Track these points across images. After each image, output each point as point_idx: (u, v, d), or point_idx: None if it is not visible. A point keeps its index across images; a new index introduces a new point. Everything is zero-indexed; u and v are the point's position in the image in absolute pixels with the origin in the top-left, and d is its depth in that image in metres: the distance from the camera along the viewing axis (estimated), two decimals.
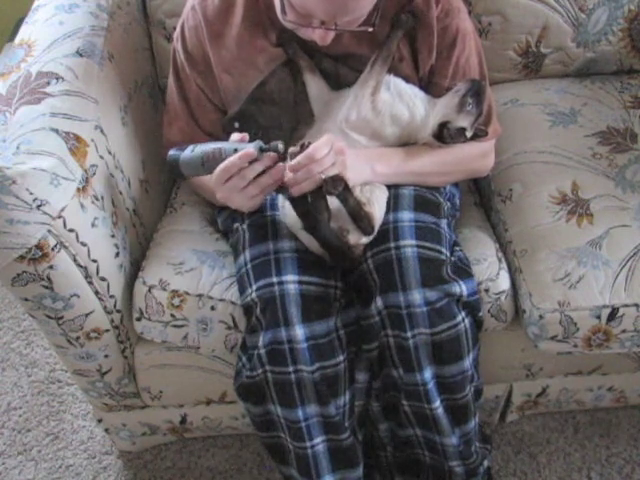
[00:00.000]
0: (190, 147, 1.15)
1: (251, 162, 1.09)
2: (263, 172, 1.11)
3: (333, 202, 1.15)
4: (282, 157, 1.10)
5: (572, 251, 1.28)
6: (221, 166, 1.10)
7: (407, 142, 1.27)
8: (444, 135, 1.23)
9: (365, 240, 1.18)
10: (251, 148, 1.09)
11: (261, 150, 1.09)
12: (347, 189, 1.12)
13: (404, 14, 1.20)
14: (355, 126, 1.23)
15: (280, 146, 1.09)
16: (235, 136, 1.14)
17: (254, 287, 1.17)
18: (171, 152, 1.16)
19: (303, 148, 1.08)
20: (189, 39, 1.26)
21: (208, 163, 1.12)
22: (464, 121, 1.23)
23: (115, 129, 1.31)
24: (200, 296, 1.26)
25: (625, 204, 1.34)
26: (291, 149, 1.10)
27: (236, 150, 1.10)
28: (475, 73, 1.28)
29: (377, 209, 1.18)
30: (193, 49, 1.26)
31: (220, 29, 1.24)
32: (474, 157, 1.33)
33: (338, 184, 1.09)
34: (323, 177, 1.08)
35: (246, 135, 1.13)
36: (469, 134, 1.25)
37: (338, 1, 1.05)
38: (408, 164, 1.26)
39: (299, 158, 1.08)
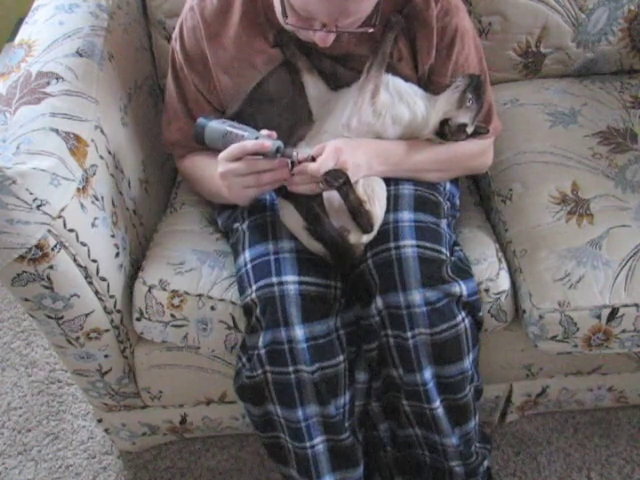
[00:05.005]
0: (222, 120, 1.18)
1: (264, 157, 1.12)
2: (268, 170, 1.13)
3: (334, 199, 1.15)
4: (292, 164, 1.12)
5: (572, 251, 1.28)
6: (234, 145, 1.13)
7: (409, 139, 1.27)
8: (445, 132, 1.23)
9: (366, 239, 1.18)
10: (269, 142, 1.11)
11: (277, 150, 1.11)
12: (348, 183, 1.12)
13: (394, 16, 1.20)
14: (357, 132, 1.23)
15: (294, 154, 1.11)
16: (264, 131, 1.15)
17: (254, 287, 1.17)
18: (201, 118, 1.19)
19: (308, 160, 1.11)
20: (187, 39, 1.26)
21: (227, 138, 1.14)
22: (464, 117, 1.23)
23: (115, 129, 1.31)
24: (200, 296, 1.26)
25: (625, 204, 1.34)
26: (299, 157, 1.12)
27: (257, 139, 1.12)
28: (475, 71, 1.28)
29: (378, 207, 1.18)
30: (191, 49, 1.26)
31: (218, 29, 1.24)
32: (473, 154, 1.33)
33: (339, 176, 1.10)
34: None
35: (274, 133, 1.14)
36: (470, 130, 1.25)
37: (340, 4, 1.05)
38: (407, 161, 1.26)
39: (304, 169, 1.11)
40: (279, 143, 1.11)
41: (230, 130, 1.15)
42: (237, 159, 1.13)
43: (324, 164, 1.11)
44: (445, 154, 1.28)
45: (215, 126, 1.17)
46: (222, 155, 1.14)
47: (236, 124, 1.17)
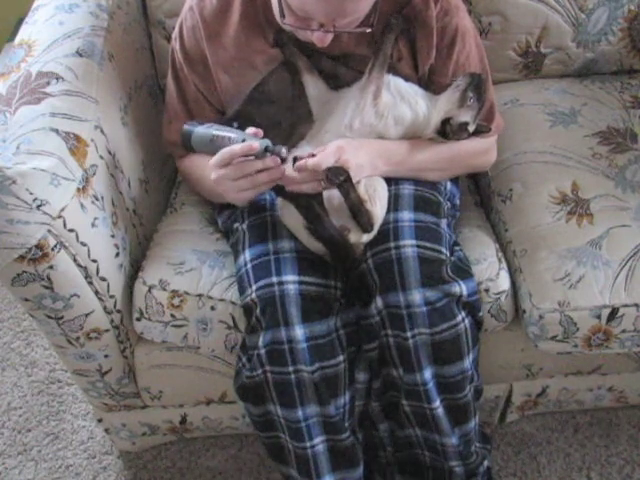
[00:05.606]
0: (208, 124, 1.17)
1: (255, 158, 1.11)
2: (261, 170, 1.13)
3: (335, 198, 1.15)
4: (283, 160, 1.12)
5: (572, 251, 1.28)
6: (223, 150, 1.12)
7: (411, 139, 1.27)
8: (447, 131, 1.23)
9: (366, 239, 1.18)
10: (256, 143, 1.10)
11: (266, 149, 1.10)
12: (349, 182, 1.12)
13: (394, 17, 1.20)
14: (360, 132, 1.23)
15: (283, 150, 1.11)
16: (250, 129, 1.14)
17: (254, 287, 1.17)
18: (187, 125, 1.18)
19: (308, 157, 1.11)
20: (187, 39, 1.26)
21: (215, 142, 1.14)
22: (466, 116, 1.23)
23: (115, 129, 1.31)
24: (200, 296, 1.26)
25: (625, 204, 1.34)
26: (297, 154, 1.12)
27: (244, 141, 1.11)
28: (476, 70, 1.27)
29: (379, 207, 1.18)
30: (191, 49, 1.26)
31: (217, 29, 1.24)
32: (476, 153, 1.34)
33: (340, 173, 1.10)
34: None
35: (260, 131, 1.14)
36: (471, 128, 1.25)
37: (337, 4, 1.06)
38: (410, 160, 1.26)
39: (305, 165, 1.10)
40: (267, 142, 1.11)
41: (217, 134, 1.14)
42: (228, 163, 1.12)
43: (325, 159, 1.11)
44: (448, 153, 1.28)
45: (201, 132, 1.16)
46: (212, 162, 1.14)
47: (222, 127, 1.16)
